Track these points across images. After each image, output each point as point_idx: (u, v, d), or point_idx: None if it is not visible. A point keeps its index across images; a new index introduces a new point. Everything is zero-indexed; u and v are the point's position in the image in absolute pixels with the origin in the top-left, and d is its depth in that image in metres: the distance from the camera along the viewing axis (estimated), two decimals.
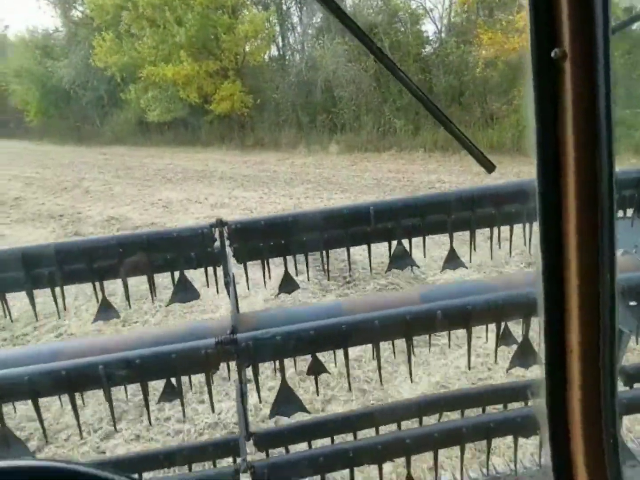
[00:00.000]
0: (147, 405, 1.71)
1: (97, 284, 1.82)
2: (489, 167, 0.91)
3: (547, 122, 0.58)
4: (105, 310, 1.90)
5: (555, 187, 0.59)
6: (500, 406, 2.11)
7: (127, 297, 1.91)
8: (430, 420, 2.13)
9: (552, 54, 0.56)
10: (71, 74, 22.74)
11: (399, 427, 2.03)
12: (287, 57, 20.79)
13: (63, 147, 22.24)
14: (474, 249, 2.07)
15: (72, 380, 1.53)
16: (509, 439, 2.34)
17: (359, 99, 16.72)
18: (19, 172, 15.65)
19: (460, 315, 1.72)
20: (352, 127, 16.74)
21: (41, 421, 1.63)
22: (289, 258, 1.98)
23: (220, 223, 1.82)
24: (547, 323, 0.65)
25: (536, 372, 1.50)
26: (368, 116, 16.34)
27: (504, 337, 1.82)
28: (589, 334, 0.62)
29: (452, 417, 2.10)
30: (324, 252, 1.99)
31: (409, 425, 2.11)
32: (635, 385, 1.96)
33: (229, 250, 1.84)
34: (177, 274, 1.89)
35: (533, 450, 2.54)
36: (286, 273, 2.03)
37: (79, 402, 1.62)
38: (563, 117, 0.57)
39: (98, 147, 21.09)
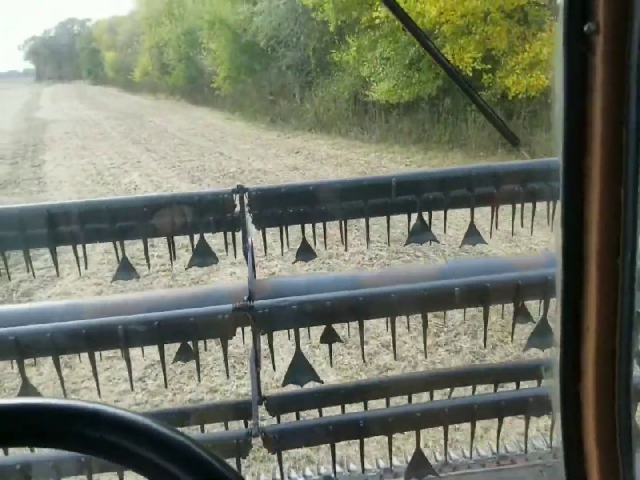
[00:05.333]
0: (163, 368, 1.77)
1: (118, 243, 1.88)
2: (513, 141, 0.84)
3: (574, 100, 0.56)
4: (125, 270, 1.95)
5: (578, 164, 0.58)
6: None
7: (147, 258, 1.99)
8: (441, 394, 2.13)
9: (585, 28, 0.52)
10: (270, 24, 15.75)
11: (410, 400, 2.04)
12: None
13: (250, 128, 15.92)
14: (496, 226, 2.06)
15: (92, 339, 1.60)
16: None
17: None
18: (156, 184, 9.90)
19: (478, 293, 1.76)
20: None
21: (61, 378, 1.72)
22: (308, 226, 2.00)
23: (241, 189, 1.84)
24: (564, 301, 0.64)
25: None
26: None
27: (520, 316, 1.84)
28: (607, 313, 0.61)
29: (463, 394, 2.10)
30: (343, 221, 2.01)
31: (420, 398, 2.12)
32: None
33: (248, 217, 1.87)
34: (196, 237, 1.93)
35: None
36: (304, 241, 2.05)
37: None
38: (591, 95, 0.55)
39: (290, 135, 14.15)
